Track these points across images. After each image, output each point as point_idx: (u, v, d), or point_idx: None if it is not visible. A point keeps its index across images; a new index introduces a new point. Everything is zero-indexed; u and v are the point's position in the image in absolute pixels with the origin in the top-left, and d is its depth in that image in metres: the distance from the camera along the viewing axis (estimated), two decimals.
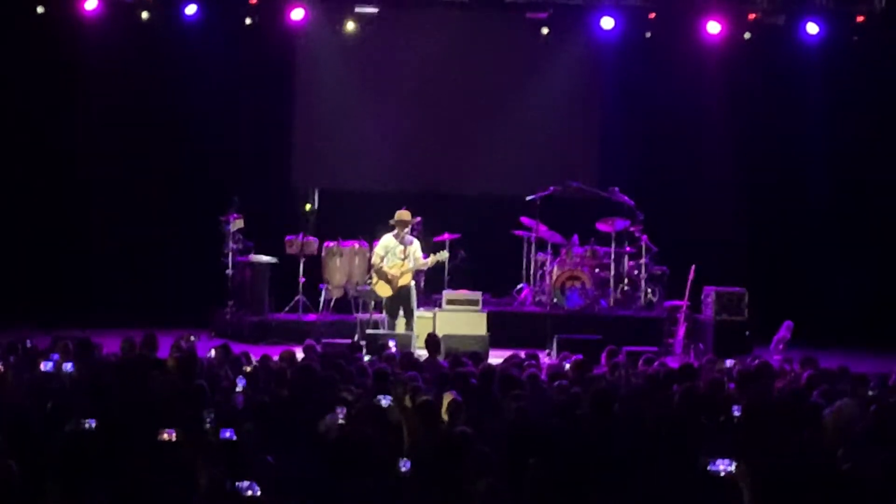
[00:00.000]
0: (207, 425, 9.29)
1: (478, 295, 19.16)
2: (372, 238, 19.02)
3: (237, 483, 7.35)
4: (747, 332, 18.68)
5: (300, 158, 22.31)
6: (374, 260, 18.09)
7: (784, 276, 21.74)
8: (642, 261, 20.37)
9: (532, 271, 20.69)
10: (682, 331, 18.72)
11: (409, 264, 17.76)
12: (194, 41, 21.27)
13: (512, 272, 21.03)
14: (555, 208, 20.34)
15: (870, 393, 11.88)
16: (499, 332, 18.45)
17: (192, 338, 14.84)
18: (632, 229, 20.36)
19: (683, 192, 21.98)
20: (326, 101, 22.06)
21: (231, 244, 19.87)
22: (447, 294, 19.19)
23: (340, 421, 9.64)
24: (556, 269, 20.09)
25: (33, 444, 8.40)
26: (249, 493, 7.30)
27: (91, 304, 20.27)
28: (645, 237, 20.28)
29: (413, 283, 18.10)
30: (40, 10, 20.85)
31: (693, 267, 18.68)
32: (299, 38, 21.98)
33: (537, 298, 20.45)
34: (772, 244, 22.17)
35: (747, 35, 21.70)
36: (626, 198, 20.38)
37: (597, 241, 20.55)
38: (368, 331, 17.82)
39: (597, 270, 20.35)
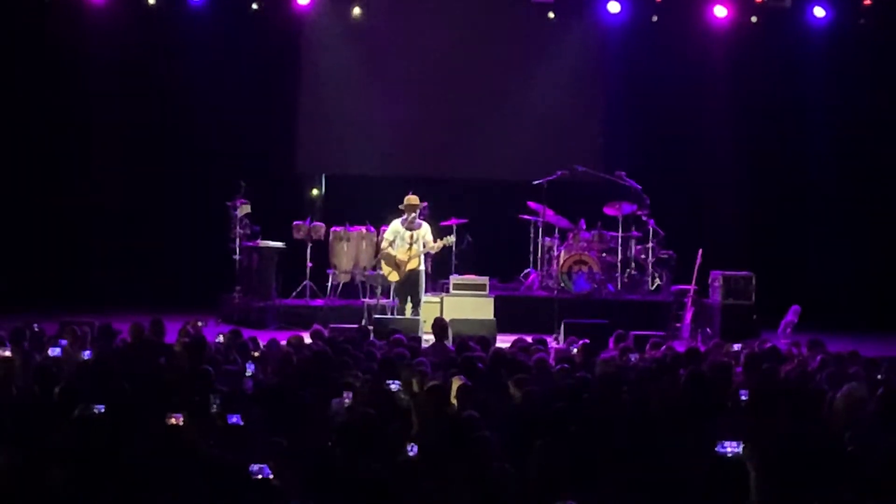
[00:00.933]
0: (214, 410, 9.30)
1: (485, 280, 19.14)
2: (379, 223, 19.05)
3: (250, 466, 7.37)
4: (754, 316, 18.67)
5: (307, 143, 22.35)
6: (383, 245, 18.11)
7: (791, 260, 21.76)
8: (649, 245, 20.38)
9: (539, 256, 20.68)
10: (689, 315, 18.71)
11: (417, 248, 17.76)
12: (200, 27, 21.30)
13: (519, 257, 21.04)
14: (562, 193, 20.29)
15: (878, 376, 11.86)
16: (506, 317, 18.42)
17: (200, 323, 14.85)
18: (639, 213, 20.35)
19: (690, 176, 22.00)
20: (333, 87, 22.08)
21: (238, 229, 19.87)
22: (454, 279, 19.17)
23: (346, 403, 9.65)
24: (563, 253, 20.08)
25: (41, 429, 8.42)
26: (260, 476, 7.31)
27: (99, 290, 20.33)
28: (652, 221, 20.28)
29: (423, 268, 18.08)
30: None
31: (700, 251, 18.65)
32: (305, 23, 21.98)
33: (544, 283, 20.45)
34: (779, 228, 22.16)
35: (754, 19, 21.72)
36: (632, 182, 20.37)
37: (604, 226, 20.53)
38: (375, 316, 17.82)
39: (604, 255, 20.34)
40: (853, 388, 9.78)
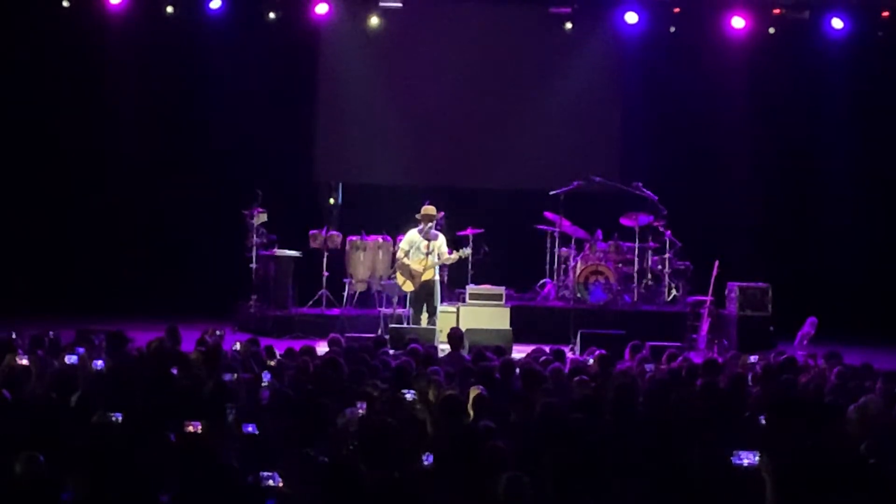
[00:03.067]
0: (230, 419, 9.31)
1: (501, 290, 19.13)
2: (395, 232, 19.07)
3: (260, 473, 7.38)
4: (771, 328, 18.64)
5: (324, 152, 22.36)
6: (399, 255, 18.14)
7: (808, 271, 21.70)
8: (666, 256, 20.33)
9: (555, 266, 20.66)
10: (705, 326, 18.68)
11: (432, 259, 17.77)
12: (218, 36, 21.33)
13: (535, 267, 21.00)
14: (578, 203, 20.30)
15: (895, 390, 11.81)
16: (522, 327, 18.40)
17: (218, 332, 14.86)
18: (655, 224, 20.31)
19: (707, 187, 21.97)
20: (350, 96, 22.09)
21: (255, 238, 19.90)
22: (470, 289, 19.16)
23: (360, 413, 9.65)
24: (579, 263, 20.08)
25: (58, 436, 8.44)
26: (271, 482, 7.32)
27: (116, 298, 20.36)
28: (668, 232, 20.24)
29: (437, 278, 18.10)
30: (66, 3, 20.95)
31: (717, 262, 18.63)
32: (323, 32, 22.01)
33: (561, 293, 20.43)
34: (796, 239, 22.12)
35: (772, 30, 21.67)
36: (649, 192, 20.35)
37: (620, 236, 20.52)
38: (392, 325, 17.83)
39: (620, 265, 20.32)
40: (868, 401, 9.76)
